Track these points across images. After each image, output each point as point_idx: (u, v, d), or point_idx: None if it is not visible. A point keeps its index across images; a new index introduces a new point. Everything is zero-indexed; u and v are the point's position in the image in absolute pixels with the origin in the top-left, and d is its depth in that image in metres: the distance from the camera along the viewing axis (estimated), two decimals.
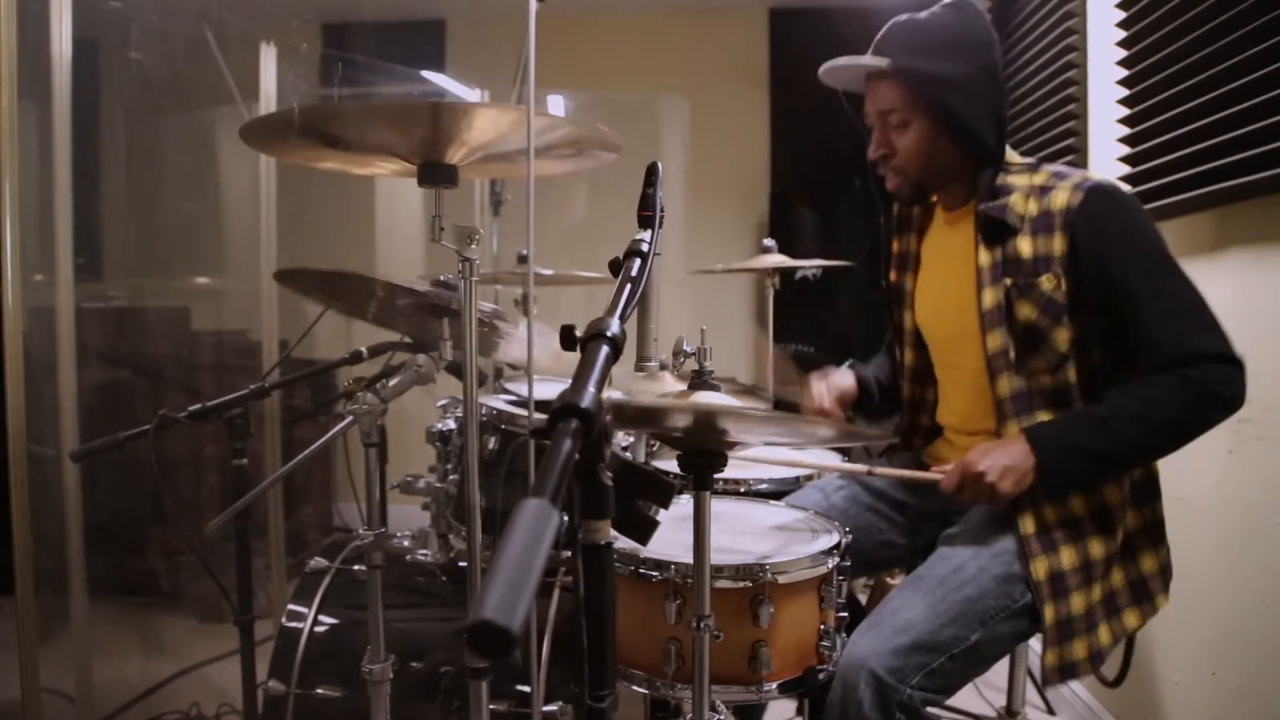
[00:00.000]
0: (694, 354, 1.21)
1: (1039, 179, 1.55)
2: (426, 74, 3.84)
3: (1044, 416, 1.52)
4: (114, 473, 2.43)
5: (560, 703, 1.54)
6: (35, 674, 1.65)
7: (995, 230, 1.54)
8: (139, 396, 2.94)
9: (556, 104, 4.12)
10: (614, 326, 0.73)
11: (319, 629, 1.82)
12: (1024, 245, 1.51)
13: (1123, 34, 2.21)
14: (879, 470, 1.65)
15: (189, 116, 3.06)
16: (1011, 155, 1.60)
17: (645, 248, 0.91)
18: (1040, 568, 1.46)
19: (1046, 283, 1.49)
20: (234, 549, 1.95)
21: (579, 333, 0.75)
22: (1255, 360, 1.60)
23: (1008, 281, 1.52)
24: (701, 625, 1.20)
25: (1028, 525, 1.48)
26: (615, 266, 0.90)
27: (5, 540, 1.71)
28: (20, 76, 1.88)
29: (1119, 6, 2.24)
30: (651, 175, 0.98)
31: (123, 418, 1.85)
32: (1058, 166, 1.58)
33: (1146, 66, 2.11)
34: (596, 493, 0.69)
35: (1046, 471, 1.45)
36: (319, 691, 1.72)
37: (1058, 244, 1.48)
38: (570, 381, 0.66)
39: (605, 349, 0.70)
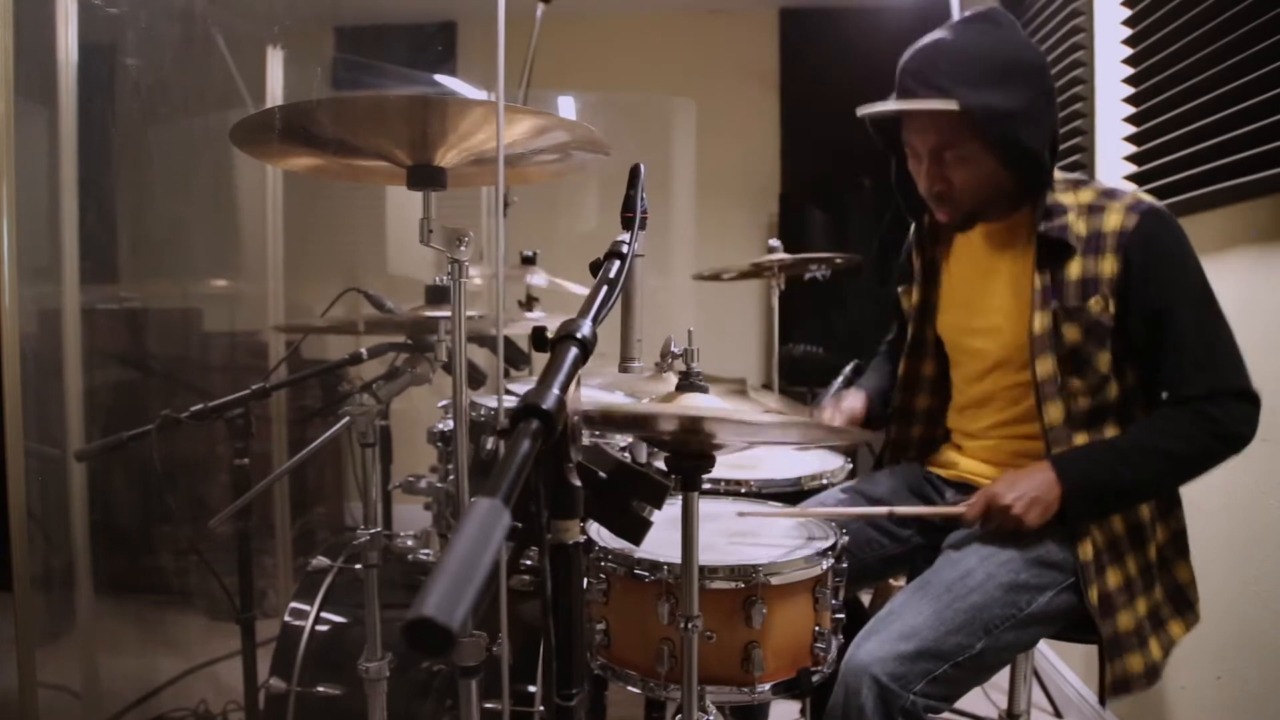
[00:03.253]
0: (681, 355, 1.21)
1: (1085, 197, 1.53)
2: (439, 77, 3.86)
3: (1081, 438, 1.52)
4: (127, 472, 2.46)
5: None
6: (32, 671, 1.67)
7: (1052, 252, 1.52)
8: (151, 397, 2.98)
9: (566, 105, 4.13)
10: (585, 328, 0.73)
11: (321, 627, 1.83)
12: (1074, 267, 1.50)
13: (1128, 31, 2.20)
14: (900, 511, 1.62)
15: (201, 120, 3.09)
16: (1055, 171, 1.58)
17: (626, 249, 0.91)
18: (1094, 592, 1.47)
19: (1095, 305, 1.48)
20: (250, 548, 1.97)
21: (550, 334, 0.75)
22: (1261, 361, 1.59)
23: (1054, 305, 1.50)
24: (689, 626, 1.20)
25: (1087, 552, 1.48)
26: (596, 267, 0.91)
27: (8, 538, 1.74)
28: (30, 82, 1.90)
29: (1124, 4, 2.22)
30: (635, 177, 0.99)
31: (135, 418, 1.86)
32: (1101, 184, 1.56)
33: (1152, 65, 2.09)
34: (564, 493, 0.70)
35: (1071, 503, 1.47)
36: (319, 689, 1.74)
37: (1108, 266, 1.47)
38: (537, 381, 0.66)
39: (574, 350, 0.70)
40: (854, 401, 1.89)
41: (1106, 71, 2.42)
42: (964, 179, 1.54)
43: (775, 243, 2.58)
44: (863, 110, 1.57)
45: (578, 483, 0.70)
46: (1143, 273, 1.46)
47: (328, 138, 1.13)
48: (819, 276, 2.70)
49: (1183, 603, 1.56)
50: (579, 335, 0.72)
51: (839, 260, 2.59)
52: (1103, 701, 1.50)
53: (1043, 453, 1.52)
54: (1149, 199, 1.51)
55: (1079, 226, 1.51)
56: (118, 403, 2.76)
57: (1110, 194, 1.52)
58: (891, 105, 1.53)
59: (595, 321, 0.76)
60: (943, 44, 1.51)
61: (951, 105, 1.45)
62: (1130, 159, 2.21)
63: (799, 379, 3.61)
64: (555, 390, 0.62)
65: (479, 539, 0.48)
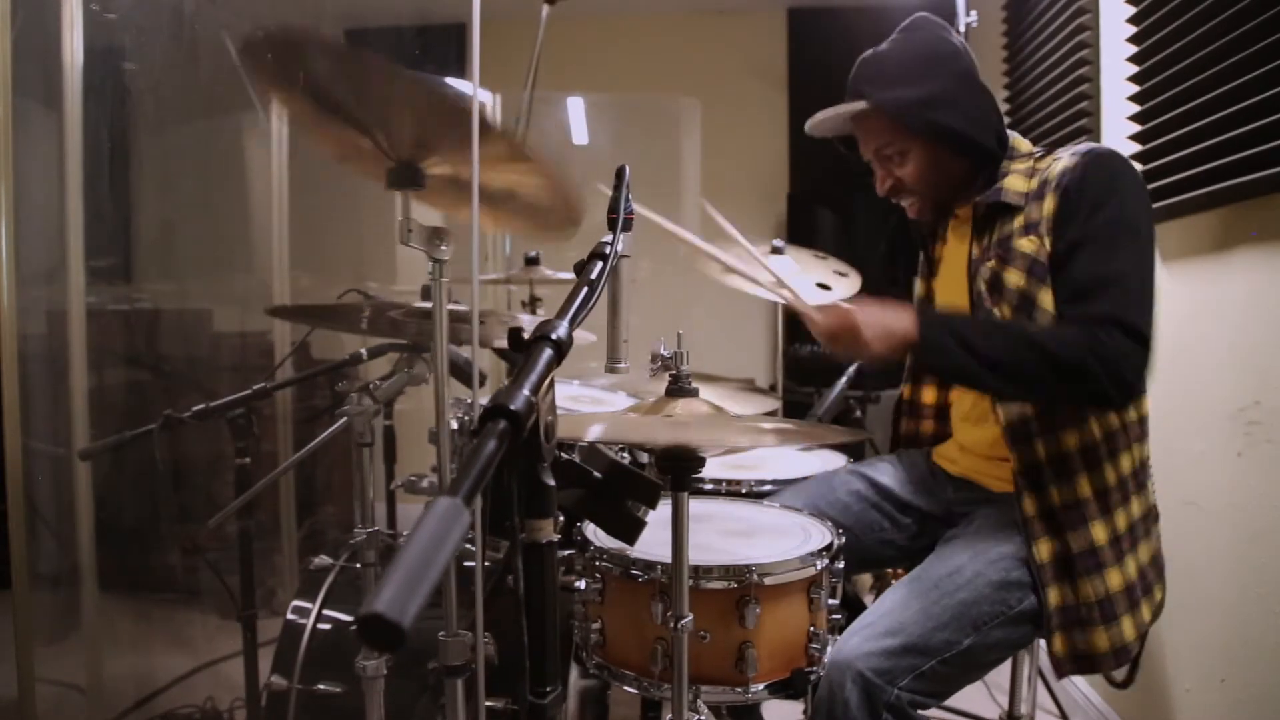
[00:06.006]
0: (671, 358, 1.21)
1: (1044, 162, 1.55)
2: (450, 80, 3.88)
3: None
4: (132, 471, 2.48)
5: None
6: (31, 668, 1.69)
7: (993, 215, 1.54)
8: (160, 396, 3.01)
9: (576, 106, 4.15)
10: (561, 329, 0.74)
11: (323, 626, 1.85)
12: (1018, 220, 1.51)
13: (1133, 29, 2.19)
14: (789, 298, 1.60)
15: (211, 123, 3.12)
16: (1021, 144, 1.59)
17: (608, 250, 0.92)
18: (1044, 550, 1.45)
19: (1027, 244, 1.48)
20: (251, 547, 2.00)
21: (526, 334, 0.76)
22: (1262, 360, 1.58)
23: (992, 261, 1.52)
24: (679, 626, 1.21)
25: (1029, 508, 1.47)
26: (580, 268, 0.91)
27: (7, 537, 1.77)
28: (36, 85, 1.93)
29: (1129, 2, 2.22)
30: (619, 179, 0.99)
31: (144, 418, 1.89)
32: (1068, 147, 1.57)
33: (1157, 62, 2.08)
34: (538, 492, 0.70)
35: (922, 347, 1.42)
36: (320, 687, 1.75)
37: (1048, 206, 1.48)
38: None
39: (548, 352, 0.71)
40: None
41: (1111, 71, 2.41)
42: (909, 172, 1.60)
43: (779, 243, 2.57)
44: (807, 127, 1.69)
45: (551, 482, 0.71)
46: (1071, 205, 1.45)
47: (319, 86, 1.09)
48: None
49: (1144, 583, 1.52)
50: (554, 336, 0.73)
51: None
52: (1059, 675, 1.48)
53: (1005, 415, 1.52)
54: (1104, 147, 1.52)
55: (1024, 184, 1.52)
56: (128, 402, 2.79)
57: (1069, 149, 1.53)
58: (818, 116, 1.65)
59: (573, 323, 0.77)
60: (867, 58, 1.62)
61: (860, 105, 1.56)
62: (1135, 157, 2.20)
63: (805, 379, 3.60)
64: (525, 391, 0.63)
65: (436, 538, 0.48)
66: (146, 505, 2.64)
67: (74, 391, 2.14)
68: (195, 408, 1.76)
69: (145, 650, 2.71)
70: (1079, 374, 1.37)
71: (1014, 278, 1.50)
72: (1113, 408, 1.45)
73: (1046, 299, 1.47)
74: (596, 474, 1.17)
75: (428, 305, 1.30)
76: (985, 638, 1.41)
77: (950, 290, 1.71)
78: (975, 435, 1.71)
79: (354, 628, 0.45)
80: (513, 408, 0.61)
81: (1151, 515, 1.57)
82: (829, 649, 1.42)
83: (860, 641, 1.37)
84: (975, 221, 1.57)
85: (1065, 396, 1.43)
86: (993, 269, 1.52)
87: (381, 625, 0.43)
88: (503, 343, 1.88)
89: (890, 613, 1.41)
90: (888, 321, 1.42)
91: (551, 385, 0.69)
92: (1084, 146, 1.51)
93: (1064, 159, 1.50)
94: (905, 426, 1.88)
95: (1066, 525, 1.46)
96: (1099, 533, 1.47)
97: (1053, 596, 1.44)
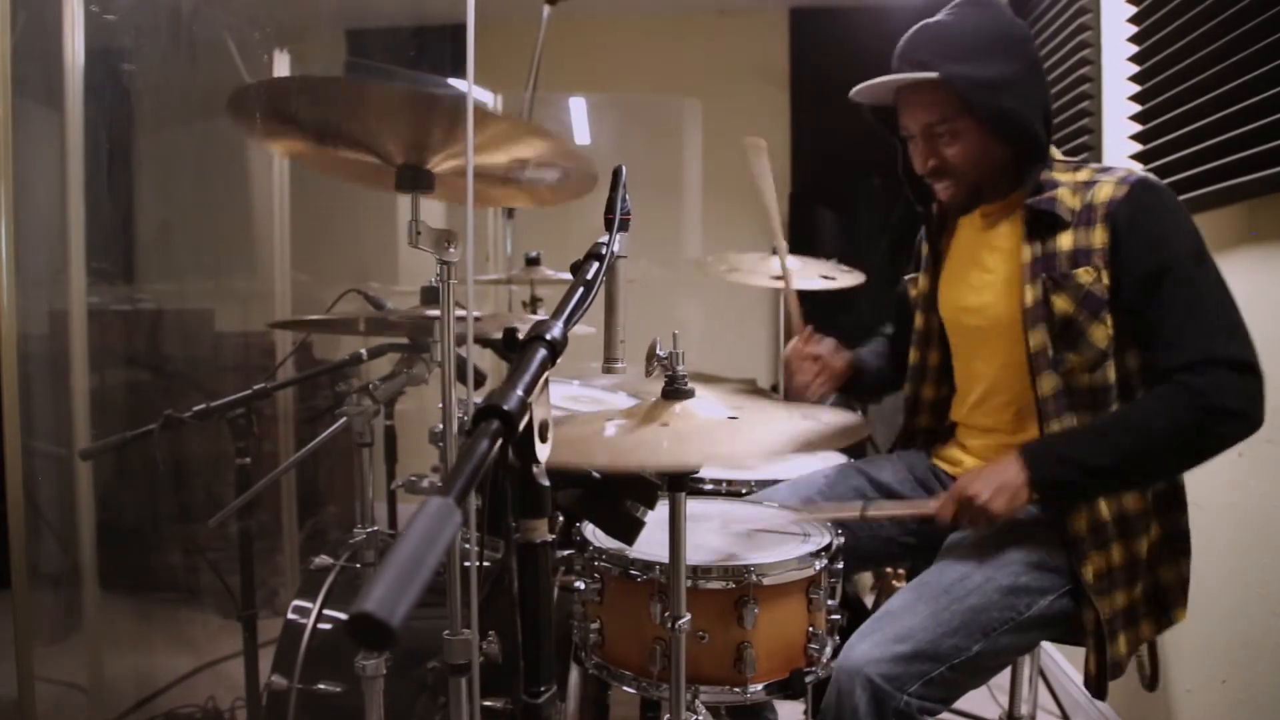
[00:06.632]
0: (667, 358, 1.20)
1: (1082, 175, 1.53)
2: (451, 80, 3.88)
3: (1082, 417, 1.49)
4: (134, 471, 2.49)
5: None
6: (30, 667, 1.69)
7: (1042, 225, 1.51)
8: (162, 397, 3.01)
9: (577, 107, 4.15)
10: (555, 330, 0.74)
11: (323, 625, 1.85)
12: (1065, 239, 1.49)
13: (1134, 29, 2.19)
14: (872, 513, 1.58)
15: (211, 123, 3.12)
16: (1054, 151, 1.58)
17: (605, 251, 0.92)
18: (1088, 570, 1.44)
19: (1084, 275, 1.46)
20: (252, 547, 2.00)
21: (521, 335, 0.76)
22: (1264, 361, 1.56)
23: (1044, 276, 1.49)
24: (677, 626, 1.20)
25: (1080, 526, 1.46)
26: (576, 269, 0.91)
27: (7, 537, 1.77)
28: (38, 86, 1.93)
29: (1130, 2, 2.22)
30: (616, 179, 0.99)
31: (148, 418, 1.89)
32: (1101, 164, 1.56)
33: (1158, 61, 2.08)
34: (531, 492, 0.70)
35: (1040, 487, 1.42)
36: (320, 687, 1.75)
37: (1098, 236, 1.46)
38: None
39: (542, 352, 0.71)
40: (833, 351, 1.85)
41: (1113, 70, 2.41)
42: (957, 153, 1.56)
43: (781, 244, 2.57)
44: (854, 92, 1.59)
45: (546, 482, 0.71)
46: (1130, 241, 1.43)
47: (314, 121, 1.11)
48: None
49: (1158, 605, 1.53)
50: (548, 337, 0.72)
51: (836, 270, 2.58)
52: (1093, 692, 1.47)
53: (1049, 431, 1.50)
54: (1143, 173, 1.50)
55: (1072, 201, 1.50)
56: (129, 402, 2.79)
57: (1105, 170, 1.52)
58: (876, 80, 1.55)
59: (568, 323, 0.77)
60: (929, 26, 1.55)
61: (931, 75, 1.49)
62: (1136, 157, 2.20)
63: None
64: (519, 391, 0.63)
65: (427, 538, 0.49)
66: (147, 505, 2.64)
67: (75, 391, 2.14)
68: (196, 408, 1.76)
69: (146, 650, 2.72)
70: (1196, 431, 1.37)
71: (1062, 303, 1.47)
72: (1248, 435, 1.39)
73: (1098, 334, 1.46)
74: (595, 474, 1.17)
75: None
76: (994, 644, 1.41)
77: (977, 285, 1.66)
78: (981, 441, 1.71)
79: (344, 626, 0.45)
80: (506, 408, 0.61)
81: (1179, 540, 1.55)
82: (829, 650, 1.42)
83: (869, 647, 1.36)
84: (1028, 225, 1.52)
85: (1200, 456, 1.42)
86: (1043, 285, 1.49)
87: (371, 625, 0.44)
88: None
89: (899, 618, 1.40)
90: (996, 480, 1.42)
91: (546, 385, 0.69)
92: (1121, 172, 1.50)
93: (1107, 184, 1.48)
94: (904, 421, 1.87)
95: (1090, 547, 1.46)
96: (1116, 555, 1.47)
97: (1089, 617, 1.45)
